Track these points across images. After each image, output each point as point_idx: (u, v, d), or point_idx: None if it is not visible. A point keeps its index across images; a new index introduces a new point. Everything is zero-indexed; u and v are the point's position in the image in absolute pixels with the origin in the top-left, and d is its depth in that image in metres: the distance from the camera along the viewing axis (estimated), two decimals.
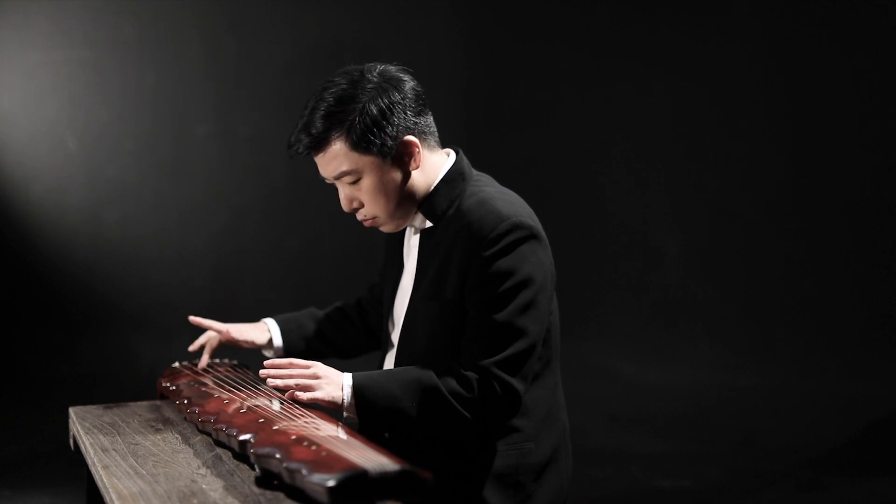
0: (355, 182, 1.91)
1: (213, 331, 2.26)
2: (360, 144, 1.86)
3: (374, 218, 1.96)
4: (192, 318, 2.26)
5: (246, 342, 2.26)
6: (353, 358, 2.41)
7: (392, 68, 1.94)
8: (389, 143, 1.88)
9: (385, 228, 2.00)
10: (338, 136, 1.87)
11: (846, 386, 4.42)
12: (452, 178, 1.97)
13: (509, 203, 1.92)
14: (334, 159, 1.89)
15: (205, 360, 2.26)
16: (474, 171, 2.03)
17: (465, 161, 2.01)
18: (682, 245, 4.98)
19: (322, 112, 1.88)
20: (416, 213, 1.99)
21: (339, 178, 1.91)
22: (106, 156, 4.72)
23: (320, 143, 1.88)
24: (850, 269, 4.75)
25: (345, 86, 1.89)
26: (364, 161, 1.88)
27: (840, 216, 4.78)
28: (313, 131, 1.88)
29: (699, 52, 4.94)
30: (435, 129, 2.00)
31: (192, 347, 2.28)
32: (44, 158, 4.64)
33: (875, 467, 3.63)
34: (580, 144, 5.07)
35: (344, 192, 1.95)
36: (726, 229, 4.93)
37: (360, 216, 1.98)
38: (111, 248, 4.72)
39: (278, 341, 2.29)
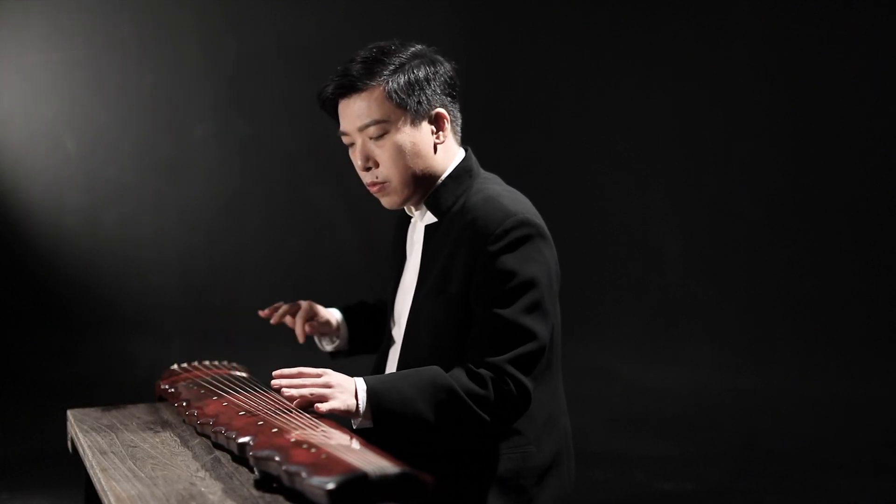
0: (380, 137, 1.90)
1: (295, 309, 2.22)
2: (397, 95, 1.87)
3: (384, 183, 1.93)
4: (263, 313, 2.24)
5: (324, 322, 2.23)
6: None
7: (432, 51, 1.99)
8: (425, 105, 1.90)
9: (389, 199, 1.96)
10: (376, 84, 1.88)
11: (847, 386, 4.41)
12: (459, 174, 1.97)
13: (515, 201, 1.92)
14: (368, 106, 1.88)
15: (300, 330, 2.19)
16: (482, 171, 2.04)
17: (474, 160, 2.02)
18: (683, 245, 4.97)
19: (364, 59, 1.90)
20: (421, 206, 1.99)
21: (365, 127, 1.89)
22: (104, 156, 4.71)
23: (356, 86, 1.88)
24: (851, 270, 4.74)
25: (390, 45, 1.93)
26: (396, 114, 1.88)
27: (840, 216, 4.77)
28: (353, 72, 1.88)
29: (699, 52, 4.93)
30: (460, 122, 2.02)
31: (273, 317, 2.24)
32: (42, 159, 4.63)
33: (877, 468, 3.63)
34: (580, 145, 5.06)
35: (364, 148, 1.92)
36: (726, 230, 4.92)
37: (369, 178, 1.95)
38: (110, 249, 4.71)
39: (345, 332, 2.28)
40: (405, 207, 2.04)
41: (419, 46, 1.96)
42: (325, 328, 2.26)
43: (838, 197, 4.78)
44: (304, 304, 2.23)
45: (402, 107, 1.88)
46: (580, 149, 5.06)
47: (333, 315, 2.28)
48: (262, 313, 2.26)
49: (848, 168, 4.76)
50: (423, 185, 1.95)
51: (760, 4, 4.86)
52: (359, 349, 2.32)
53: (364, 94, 1.88)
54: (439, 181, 1.96)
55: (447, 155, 1.97)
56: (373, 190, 1.96)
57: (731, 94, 4.91)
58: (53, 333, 4.62)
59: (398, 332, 2.05)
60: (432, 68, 1.92)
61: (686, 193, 4.99)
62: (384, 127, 1.89)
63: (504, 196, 1.92)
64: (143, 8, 4.69)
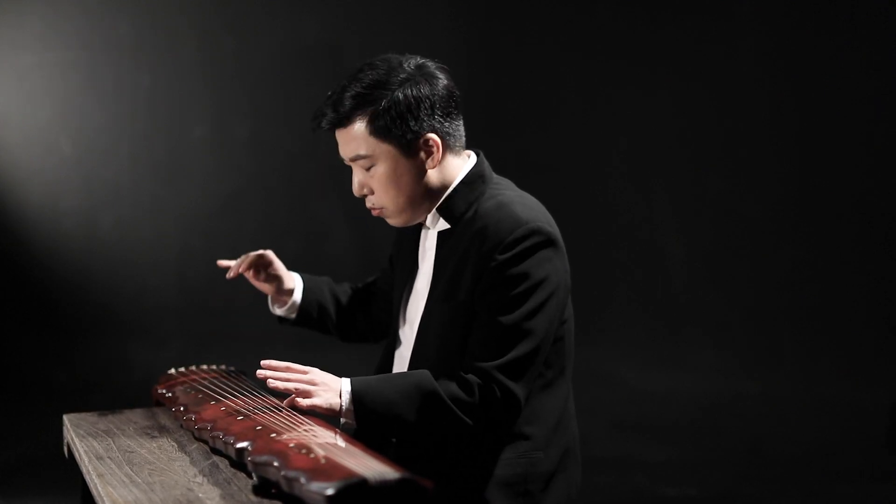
0: (369, 168, 1.91)
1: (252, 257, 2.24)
2: (380, 130, 1.87)
3: (381, 208, 1.96)
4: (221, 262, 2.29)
5: (273, 276, 2.26)
6: (352, 342, 2.39)
7: (431, 64, 1.94)
8: (410, 136, 1.88)
9: (392, 221, 1.99)
10: (361, 118, 1.88)
11: (852, 391, 4.39)
12: (472, 180, 1.96)
13: (528, 208, 1.91)
14: (353, 140, 1.90)
15: (236, 267, 2.23)
16: (494, 175, 2.02)
17: (486, 164, 2.01)
18: (687, 249, 4.95)
19: (352, 92, 1.89)
20: (433, 213, 1.98)
21: (354, 160, 1.92)
22: (101, 158, 4.69)
23: (342, 121, 1.90)
24: (856, 274, 4.73)
25: (381, 70, 1.90)
26: (381, 148, 1.88)
27: (846, 220, 4.76)
28: (340, 109, 1.89)
29: (703, 54, 4.92)
30: (462, 134, 1.99)
31: (231, 271, 2.26)
32: (38, 161, 4.61)
33: (881, 474, 3.61)
34: (583, 148, 5.04)
35: (357, 175, 1.95)
36: (732, 234, 4.90)
37: (368, 203, 1.98)
38: (106, 252, 4.69)
39: (298, 296, 2.27)
40: None
41: (414, 64, 1.91)
42: (272, 283, 2.27)
43: (843, 200, 4.77)
44: (261, 252, 2.26)
45: (386, 140, 1.88)
46: (584, 152, 5.04)
47: (291, 279, 2.29)
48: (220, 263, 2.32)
49: (853, 171, 4.75)
50: (425, 203, 1.95)
51: (764, 6, 4.85)
52: (305, 322, 2.31)
53: (351, 130, 1.89)
54: (451, 188, 1.95)
55: (446, 172, 1.95)
56: (374, 213, 1.99)
57: (736, 98, 4.89)
58: (49, 337, 4.59)
59: (409, 334, 2.05)
60: (424, 90, 1.88)
61: (690, 197, 4.98)
62: (370, 160, 1.90)
63: (516, 203, 1.91)
64: (140, 8, 4.68)
